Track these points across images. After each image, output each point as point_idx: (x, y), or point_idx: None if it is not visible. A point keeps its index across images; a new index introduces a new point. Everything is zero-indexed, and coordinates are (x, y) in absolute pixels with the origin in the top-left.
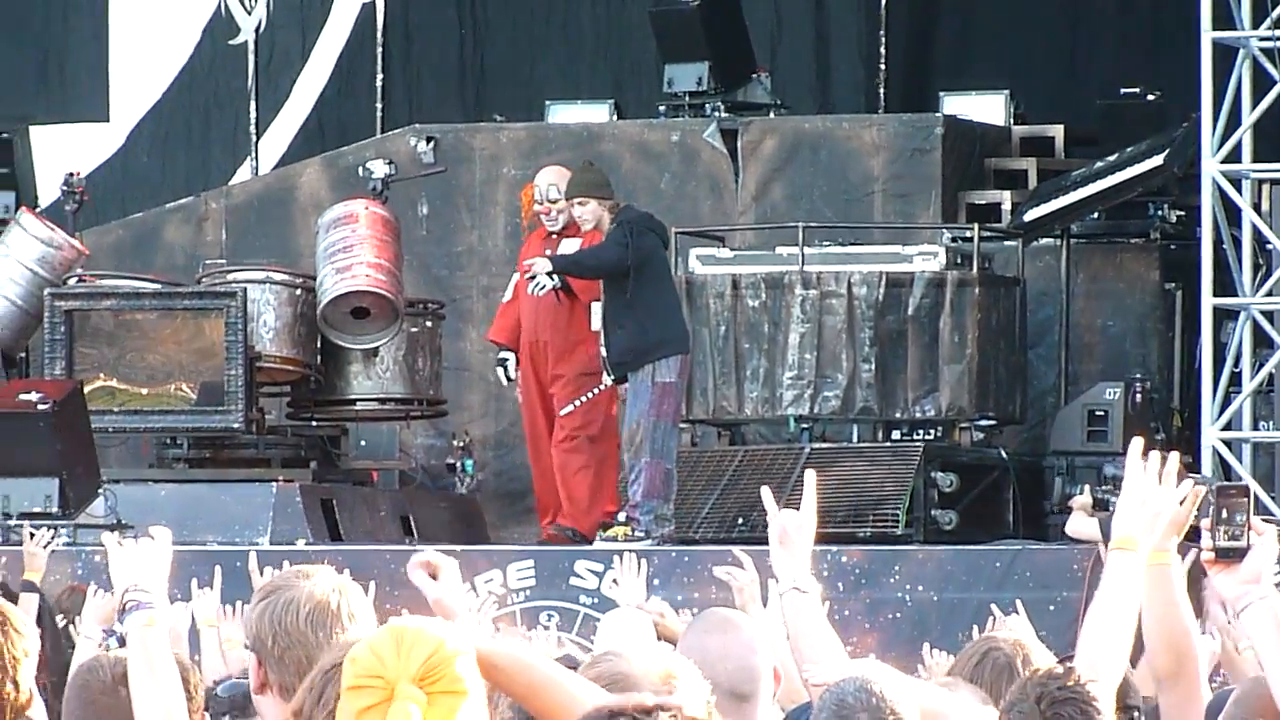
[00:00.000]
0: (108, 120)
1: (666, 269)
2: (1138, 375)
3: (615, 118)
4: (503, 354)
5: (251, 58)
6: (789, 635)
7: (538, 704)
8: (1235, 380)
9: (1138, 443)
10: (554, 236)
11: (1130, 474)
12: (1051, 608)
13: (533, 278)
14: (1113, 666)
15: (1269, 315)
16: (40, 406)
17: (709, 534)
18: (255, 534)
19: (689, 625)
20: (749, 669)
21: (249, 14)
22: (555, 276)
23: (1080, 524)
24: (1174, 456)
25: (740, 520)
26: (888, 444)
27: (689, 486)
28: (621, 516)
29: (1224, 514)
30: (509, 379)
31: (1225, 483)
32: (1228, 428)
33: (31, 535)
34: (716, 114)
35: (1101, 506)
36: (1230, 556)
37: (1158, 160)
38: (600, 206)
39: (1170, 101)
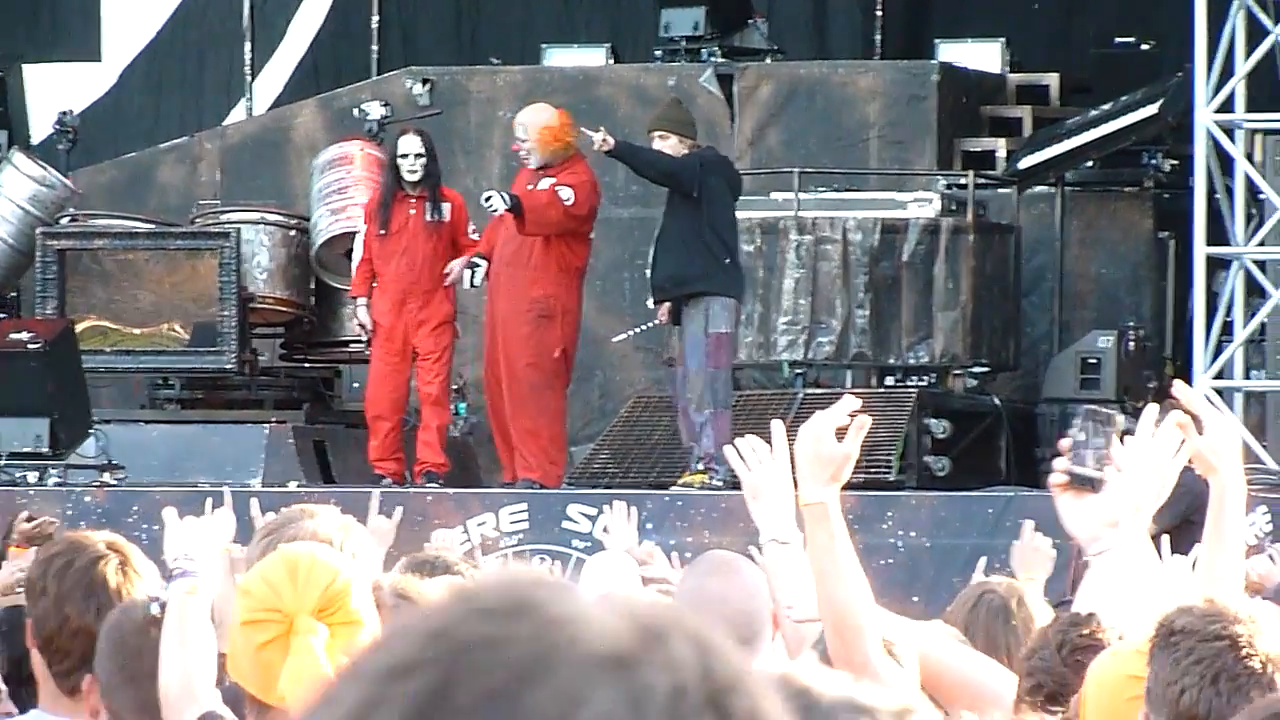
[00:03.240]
0: (99, 60)
1: (733, 215)
2: (1131, 324)
3: (611, 61)
4: (476, 259)
5: None
6: (771, 585)
7: None
8: (1227, 329)
9: (1151, 410)
10: (538, 172)
11: (1140, 440)
12: None
13: (488, 199)
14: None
15: (1261, 265)
16: (31, 346)
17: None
18: (247, 475)
19: (688, 567)
20: (749, 613)
21: None
22: (507, 200)
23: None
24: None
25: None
26: (881, 390)
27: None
28: (700, 465)
29: (1086, 435)
30: (474, 285)
31: (1096, 407)
32: (1220, 376)
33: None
34: (713, 59)
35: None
36: (1083, 485)
37: (1152, 109)
38: (680, 143)
39: (1165, 51)
